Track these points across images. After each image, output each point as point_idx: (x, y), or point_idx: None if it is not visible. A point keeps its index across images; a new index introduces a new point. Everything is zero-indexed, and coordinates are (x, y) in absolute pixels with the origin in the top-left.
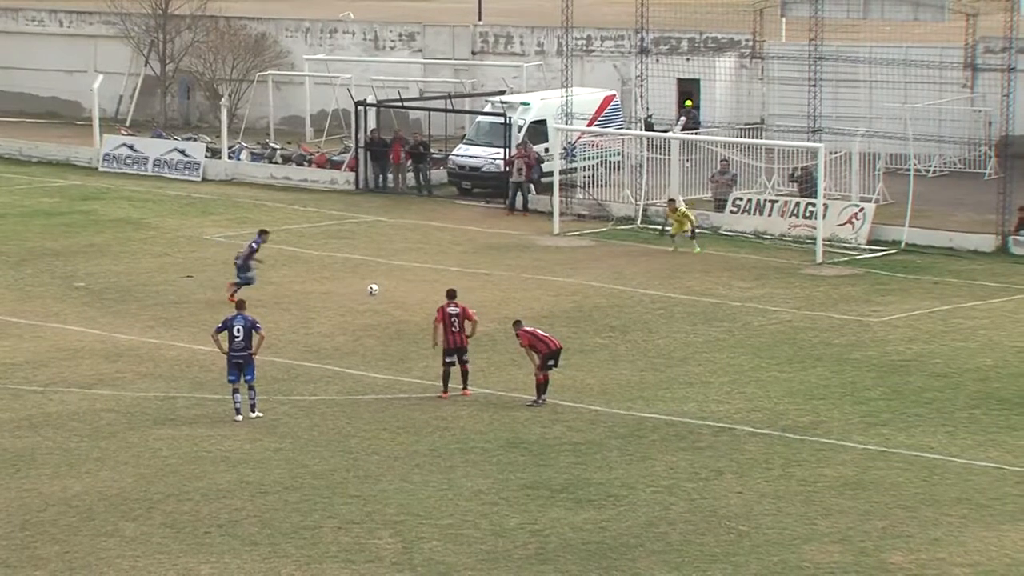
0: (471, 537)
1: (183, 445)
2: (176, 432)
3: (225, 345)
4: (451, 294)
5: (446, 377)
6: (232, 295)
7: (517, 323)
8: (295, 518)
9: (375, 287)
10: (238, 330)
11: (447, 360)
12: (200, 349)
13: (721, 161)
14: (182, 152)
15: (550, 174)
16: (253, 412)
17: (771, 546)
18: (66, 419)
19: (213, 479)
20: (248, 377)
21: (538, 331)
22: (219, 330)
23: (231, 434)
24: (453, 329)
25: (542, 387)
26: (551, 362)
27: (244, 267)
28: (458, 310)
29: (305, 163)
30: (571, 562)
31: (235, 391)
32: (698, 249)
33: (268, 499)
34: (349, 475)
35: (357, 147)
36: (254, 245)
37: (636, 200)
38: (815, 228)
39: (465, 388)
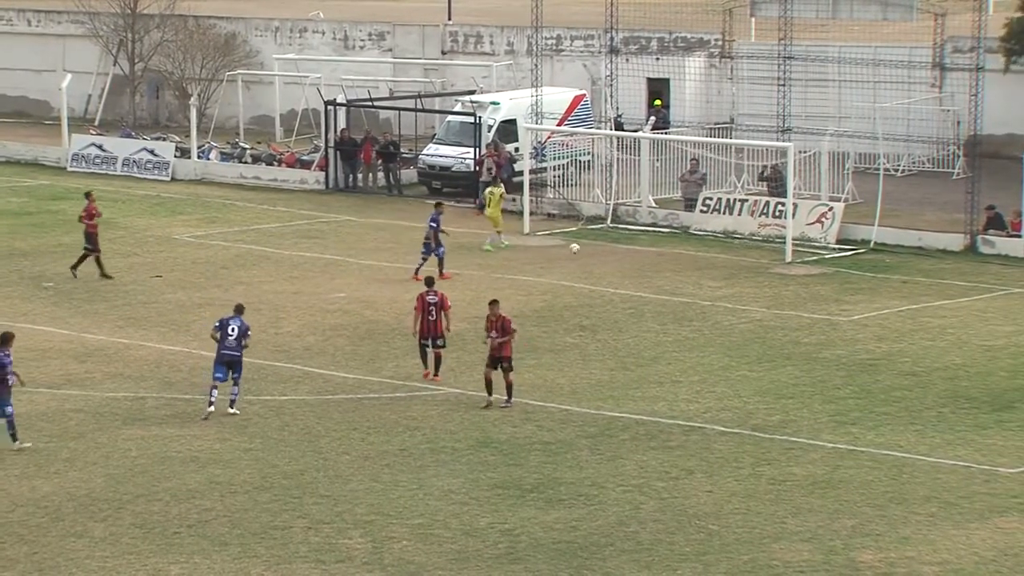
0: (441, 537)
1: (152, 445)
2: (145, 432)
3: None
4: (429, 282)
5: (424, 356)
6: (416, 273)
7: (495, 303)
8: (265, 518)
9: (576, 247)
10: (233, 329)
11: (423, 343)
12: (169, 349)
13: (691, 161)
14: (151, 152)
15: (521, 173)
16: (231, 408)
17: (741, 545)
18: (35, 419)
19: (183, 479)
20: (235, 374)
21: (512, 326)
22: (217, 329)
23: (201, 434)
24: (430, 317)
25: (510, 388)
26: (505, 365)
27: (435, 244)
28: (436, 298)
29: (275, 163)
30: (541, 561)
31: (214, 388)
32: (495, 245)
33: (238, 499)
34: (319, 475)
35: (327, 147)
36: (434, 223)
37: (606, 200)
38: (785, 227)
39: (436, 374)
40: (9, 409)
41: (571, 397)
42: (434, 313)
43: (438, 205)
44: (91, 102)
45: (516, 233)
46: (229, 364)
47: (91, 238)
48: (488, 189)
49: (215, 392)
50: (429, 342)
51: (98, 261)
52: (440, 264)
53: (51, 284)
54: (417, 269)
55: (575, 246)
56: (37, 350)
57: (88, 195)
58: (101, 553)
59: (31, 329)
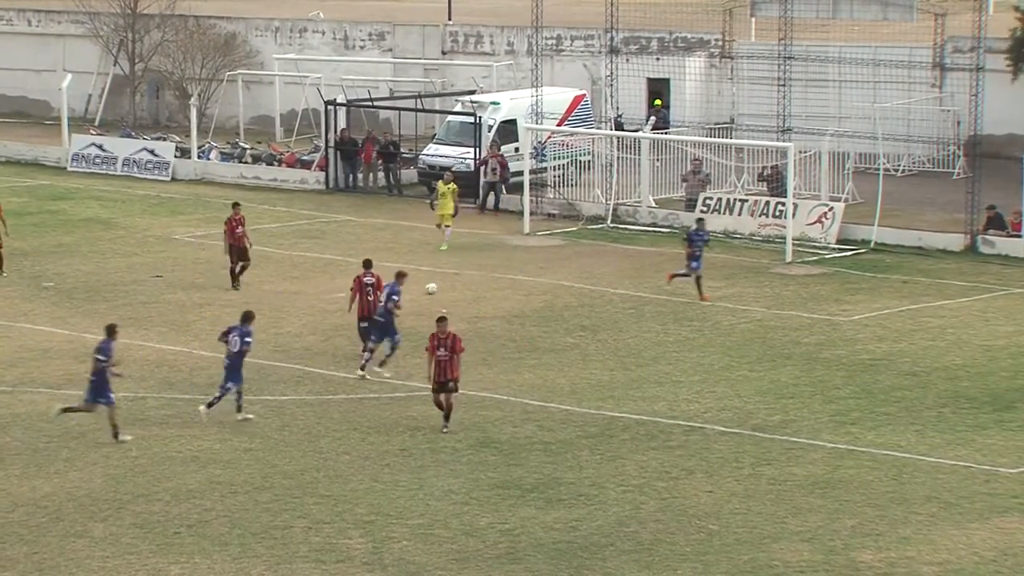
0: (442, 537)
1: (153, 445)
2: (146, 432)
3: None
4: (367, 264)
5: (365, 338)
6: (671, 276)
7: (443, 319)
8: (265, 518)
9: (433, 286)
10: (382, 296)
11: (362, 326)
12: (169, 349)
13: (694, 161)
14: (151, 152)
15: (518, 174)
16: (379, 366)
17: (741, 545)
18: (35, 419)
19: (183, 479)
20: (388, 337)
21: (461, 345)
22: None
23: (201, 434)
24: (368, 298)
25: (450, 410)
26: (451, 386)
27: (695, 257)
28: (373, 280)
29: (275, 163)
30: (542, 561)
31: (367, 349)
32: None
33: (238, 499)
34: (319, 475)
35: (327, 147)
36: (704, 237)
37: (606, 200)
38: (785, 227)
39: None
40: (111, 396)
41: (571, 397)
42: (371, 293)
43: (699, 220)
44: (91, 102)
45: (517, 233)
46: (382, 328)
47: (242, 251)
48: (448, 185)
49: (367, 354)
50: (367, 322)
51: (238, 269)
52: (684, 273)
53: (51, 284)
54: (677, 275)
55: (432, 285)
56: (37, 350)
57: (235, 205)
58: (101, 553)
59: (31, 329)
